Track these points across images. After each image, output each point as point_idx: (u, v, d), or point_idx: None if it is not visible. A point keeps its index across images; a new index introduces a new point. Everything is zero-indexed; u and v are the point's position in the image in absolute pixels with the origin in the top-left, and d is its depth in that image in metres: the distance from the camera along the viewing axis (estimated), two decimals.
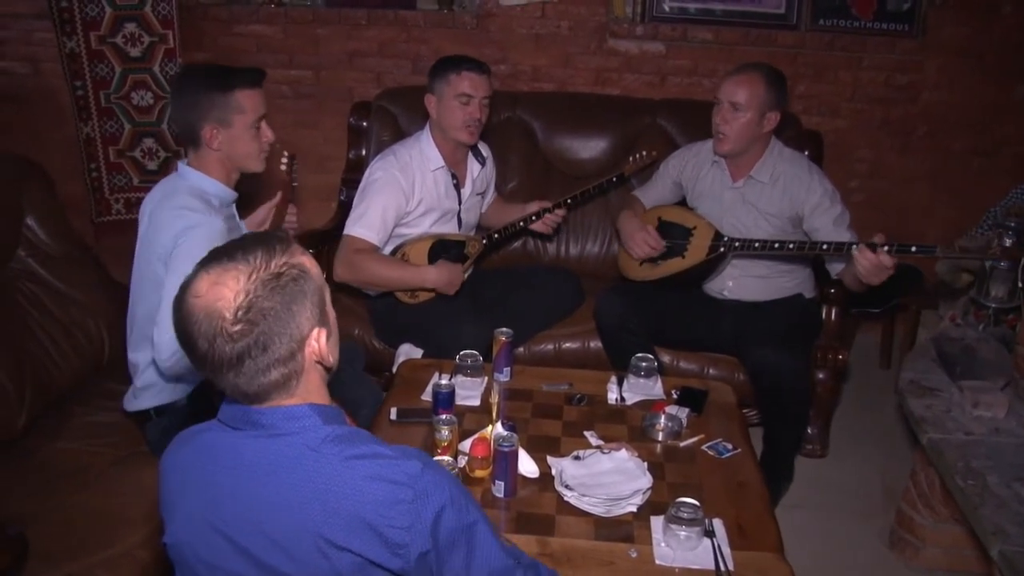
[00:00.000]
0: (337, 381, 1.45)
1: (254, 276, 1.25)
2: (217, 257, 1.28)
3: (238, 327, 1.23)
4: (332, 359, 1.36)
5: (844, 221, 2.89)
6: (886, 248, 2.55)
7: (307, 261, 1.33)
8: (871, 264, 2.57)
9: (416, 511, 1.26)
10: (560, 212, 3.26)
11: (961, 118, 4.01)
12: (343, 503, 1.25)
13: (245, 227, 2.63)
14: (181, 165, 2.36)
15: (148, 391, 2.41)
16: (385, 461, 1.29)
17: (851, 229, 2.87)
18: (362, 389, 2.73)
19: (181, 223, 2.21)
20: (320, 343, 1.33)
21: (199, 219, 2.21)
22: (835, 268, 2.95)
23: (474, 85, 2.98)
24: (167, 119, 4.10)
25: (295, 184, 2.62)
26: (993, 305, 2.82)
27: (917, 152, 4.09)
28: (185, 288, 1.27)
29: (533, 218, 3.24)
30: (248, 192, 2.55)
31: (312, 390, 1.35)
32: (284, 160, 2.58)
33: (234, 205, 2.48)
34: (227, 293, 1.24)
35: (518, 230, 3.30)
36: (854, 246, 2.63)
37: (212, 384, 1.32)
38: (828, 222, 2.88)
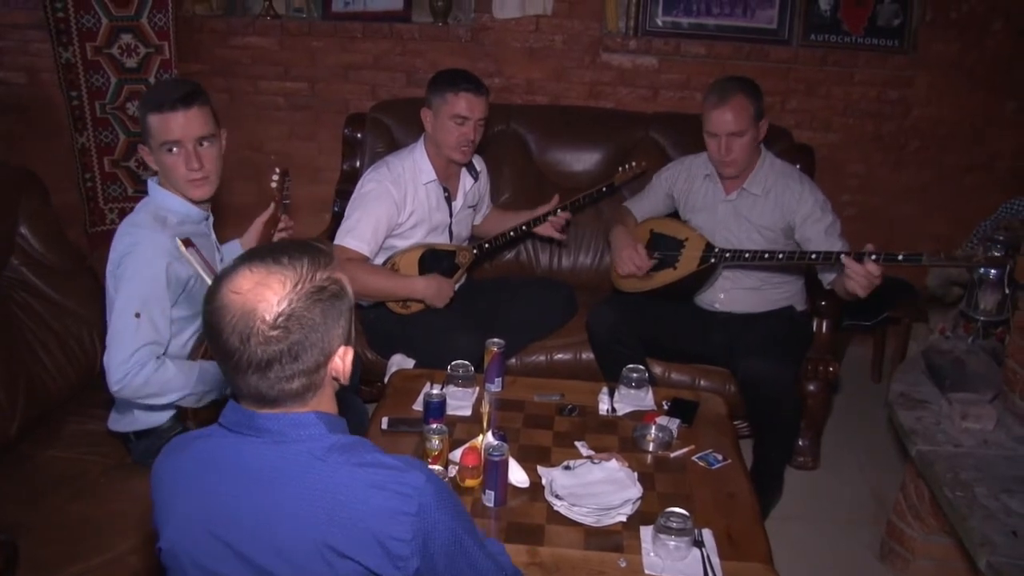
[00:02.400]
0: None
1: (300, 286, 1.26)
2: (262, 257, 1.28)
3: (276, 332, 1.24)
4: (347, 378, 1.37)
5: (835, 231, 2.90)
6: (873, 257, 2.57)
7: (345, 279, 1.34)
8: (858, 274, 2.59)
9: (419, 524, 1.27)
10: (565, 214, 3.29)
11: (952, 133, 4.04)
12: (348, 512, 1.25)
13: (236, 246, 2.61)
14: (150, 182, 2.34)
15: (129, 413, 2.37)
16: (389, 472, 1.29)
17: (843, 238, 2.88)
18: (350, 404, 2.69)
19: (125, 241, 2.20)
20: (345, 362, 1.35)
21: (141, 236, 2.19)
22: (827, 278, 2.95)
23: (471, 106, 2.98)
24: None
25: (287, 202, 2.56)
26: (982, 318, 2.83)
27: (908, 167, 4.11)
28: (223, 280, 1.27)
29: (539, 220, 3.27)
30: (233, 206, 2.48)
31: (323, 401, 1.36)
32: (275, 176, 2.52)
33: (209, 223, 2.44)
34: (270, 296, 1.24)
35: (517, 236, 3.33)
36: (843, 257, 2.65)
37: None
38: (820, 232, 2.89)
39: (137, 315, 2.14)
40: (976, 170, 4.09)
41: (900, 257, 2.58)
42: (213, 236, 2.48)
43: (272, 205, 2.55)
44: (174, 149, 2.24)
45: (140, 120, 2.26)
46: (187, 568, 1.35)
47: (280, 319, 1.24)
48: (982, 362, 2.71)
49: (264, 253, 1.29)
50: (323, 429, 1.32)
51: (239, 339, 1.24)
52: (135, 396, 2.18)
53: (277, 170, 2.52)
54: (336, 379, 1.36)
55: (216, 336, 1.26)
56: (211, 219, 2.45)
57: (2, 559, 1.88)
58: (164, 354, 2.21)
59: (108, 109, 4.07)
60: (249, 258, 1.29)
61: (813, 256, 2.80)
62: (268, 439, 1.31)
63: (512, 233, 3.27)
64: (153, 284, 2.18)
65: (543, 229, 3.32)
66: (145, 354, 2.15)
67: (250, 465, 1.31)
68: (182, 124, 2.23)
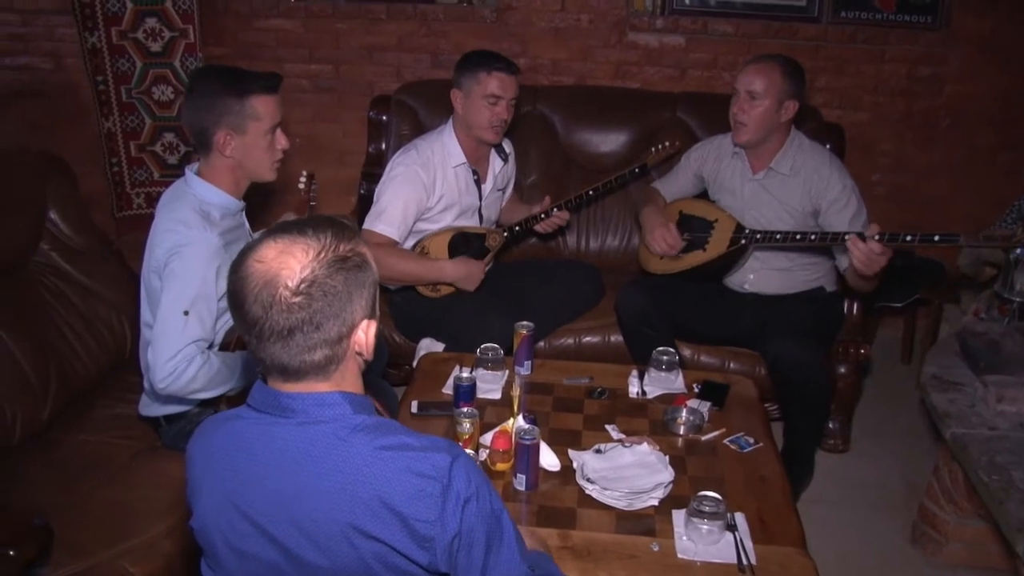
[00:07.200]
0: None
1: (323, 254, 1.26)
2: (287, 229, 1.30)
3: (298, 299, 1.24)
4: (370, 353, 1.37)
5: (860, 220, 2.87)
6: (876, 237, 2.58)
7: (369, 254, 1.34)
8: (862, 253, 2.60)
9: (443, 505, 1.26)
10: (562, 215, 3.24)
11: (984, 111, 3.97)
12: (371, 492, 1.25)
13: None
14: (189, 172, 2.33)
15: (159, 398, 2.36)
16: (413, 453, 1.28)
17: (867, 225, 2.85)
18: (378, 387, 2.70)
19: (173, 239, 2.20)
20: (368, 335, 1.34)
21: (192, 236, 2.19)
22: (843, 263, 2.93)
23: (503, 86, 2.97)
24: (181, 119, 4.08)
25: (313, 204, 2.60)
26: (1018, 299, 2.79)
27: (940, 145, 4.05)
28: (248, 251, 1.29)
29: (541, 217, 3.22)
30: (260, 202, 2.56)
31: (347, 378, 1.35)
32: (303, 179, 2.56)
33: (243, 213, 2.45)
34: (293, 264, 1.25)
35: (512, 237, 3.30)
36: (846, 237, 2.66)
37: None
38: (844, 221, 2.86)
39: (186, 312, 2.15)
40: (1009, 148, 4.02)
41: (936, 238, 2.57)
42: (247, 225, 2.49)
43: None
44: (277, 131, 2.33)
45: (233, 103, 2.25)
46: (218, 547, 1.36)
47: (303, 285, 1.24)
48: (1018, 344, 2.67)
49: (289, 226, 1.31)
50: (348, 409, 1.32)
51: (262, 307, 1.25)
52: (181, 392, 2.19)
53: (304, 173, 2.57)
54: (360, 354, 1.36)
55: (239, 306, 1.27)
56: (244, 208, 2.45)
57: (38, 543, 1.90)
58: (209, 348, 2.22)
59: (134, 94, 4.08)
60: (274, 231, 1.31)
61: (846, 236, 2.77)
62: (294, 420, 1.31)
63: (516, 229, 3.25)
64: (204, 283, 2.19)
65: (541, 227, 3.28)
66: (192, 350, 2.16)
67: (276, 447, 1.31)
68: (280, 106, 2.33)
